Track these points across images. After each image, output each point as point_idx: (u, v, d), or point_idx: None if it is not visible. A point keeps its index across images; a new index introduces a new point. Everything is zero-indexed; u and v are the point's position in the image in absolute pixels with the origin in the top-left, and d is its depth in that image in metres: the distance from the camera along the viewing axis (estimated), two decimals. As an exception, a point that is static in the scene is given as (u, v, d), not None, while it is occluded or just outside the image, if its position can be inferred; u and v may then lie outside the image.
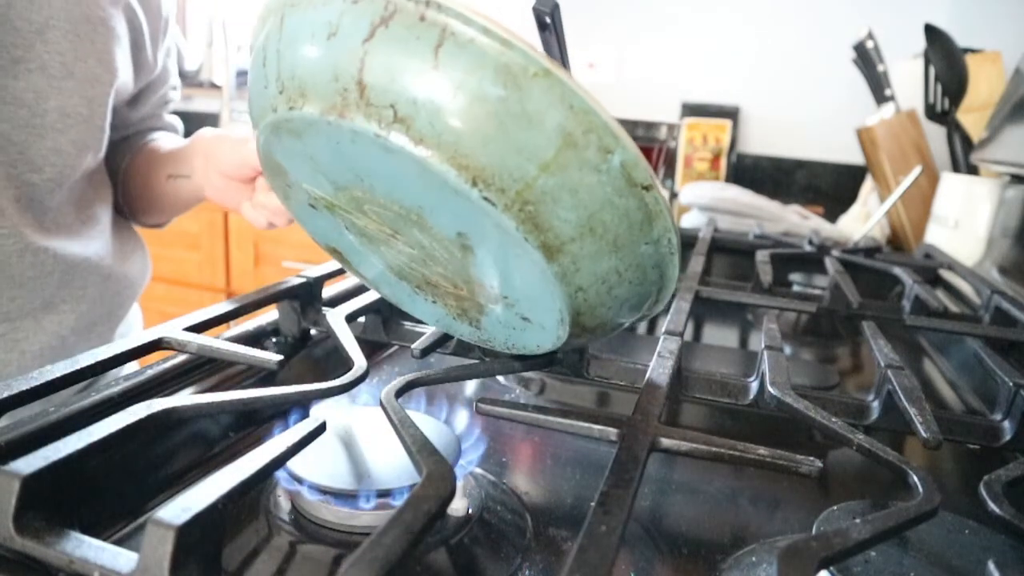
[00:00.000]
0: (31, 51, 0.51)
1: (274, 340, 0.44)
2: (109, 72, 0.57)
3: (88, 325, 0.61)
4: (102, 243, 0.62)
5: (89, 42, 0.55)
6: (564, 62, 0.71)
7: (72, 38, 0.53)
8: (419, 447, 0.25)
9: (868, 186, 1.19)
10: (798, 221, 1.00)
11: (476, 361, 0.39)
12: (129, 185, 0.71)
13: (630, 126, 0.70)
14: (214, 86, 2.06)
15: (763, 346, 0.39)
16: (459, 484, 0.26)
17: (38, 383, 0.30)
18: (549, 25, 0.68)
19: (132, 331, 0.70)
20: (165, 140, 0.73)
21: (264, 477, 0.23)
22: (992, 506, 0.25)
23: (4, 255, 0.52)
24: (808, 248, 0.75)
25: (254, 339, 0.43)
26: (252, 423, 0.38)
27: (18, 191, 0.53)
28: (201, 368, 0.38)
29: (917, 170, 0.91)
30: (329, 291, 0.49)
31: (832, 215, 1.19)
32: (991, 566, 0.25)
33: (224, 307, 0.42)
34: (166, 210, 0.73)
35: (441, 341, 0.38)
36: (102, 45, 0.56)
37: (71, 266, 0.58)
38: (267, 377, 0.39)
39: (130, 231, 0.71)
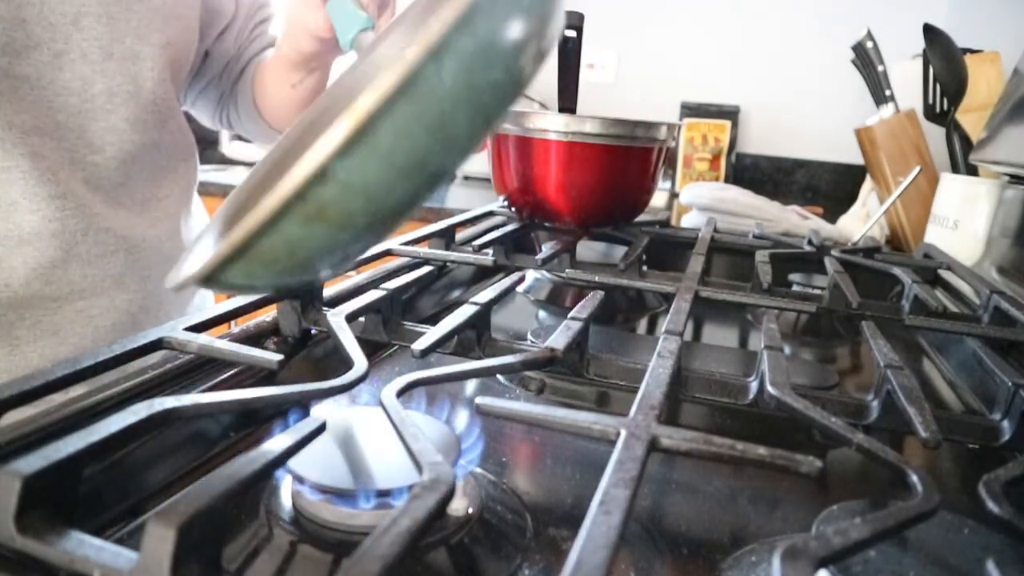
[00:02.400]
0: (69, 42, 0.54)
1: (274, 340, 0.44)
2: (149, 46, 0.60)
3: (156, 304, 0.65)
4: (166, 226, 0.66)
5: (124, 22, 0.57)
6: (578, 69, 0.72)
7: (106, 21, 0.56)
8: (419, 447, 0.25)
9: (867, 186, 1.19)
10: (798, 221, 1.00)
11: (476, 361, 0.39)
12: (264, 110, 0.77)
13: (630, 126, 0.70)
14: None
15: (763, 346, 0.39)
16: (459, 484, 0.26)
17: (38, 383, 0.30)
18: (573, 38, 0.68)
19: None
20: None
21: (264, 477, 0.23)
22: (991, 505, 0.25)
23: (70, 233, 0.56)
24: (808, 248, 0.75)
25: (254, 339, 0.43)
26: (252, 423, 0.38)
27: (85, 172, 0.57)
28: (201, 368, 0.38)
29: (916, 170, 0.91)
30: (329, 291, 0.49)
31: (832, 215, 1.19)
32: (990, 565, 0.25)
33: (224, 307, 0.41)
34: (299, 110, 0.78)
35: (441, 341, 0.38)
36: (137, 22, 0.59)
37: (134, 246, 0.61)
38: (267, 377, 0.39)
39: (199, 215, 0.75)
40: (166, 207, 0.66)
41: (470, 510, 0.28)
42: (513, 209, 0.78)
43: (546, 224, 0.76)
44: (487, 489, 0.31)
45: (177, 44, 0.63)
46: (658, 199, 1.40)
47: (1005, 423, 0.35)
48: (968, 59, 0.99)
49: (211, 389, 0.37)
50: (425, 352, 0.37)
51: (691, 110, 1.78)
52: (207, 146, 0.81)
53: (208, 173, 1.55)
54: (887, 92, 1.12)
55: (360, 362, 0.34)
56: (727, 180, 1.66)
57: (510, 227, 0.72)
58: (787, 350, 0.45)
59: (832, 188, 1.77)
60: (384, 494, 0.26)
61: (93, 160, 0.57)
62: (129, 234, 0.61)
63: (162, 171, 0.65)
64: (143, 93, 0.60)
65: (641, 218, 0.82)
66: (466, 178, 1.82)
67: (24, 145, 0.52)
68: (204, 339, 0.36)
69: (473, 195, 1.58)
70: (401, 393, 0.30)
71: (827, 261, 0.65)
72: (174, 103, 0.66)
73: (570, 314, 0.41)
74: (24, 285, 0.54)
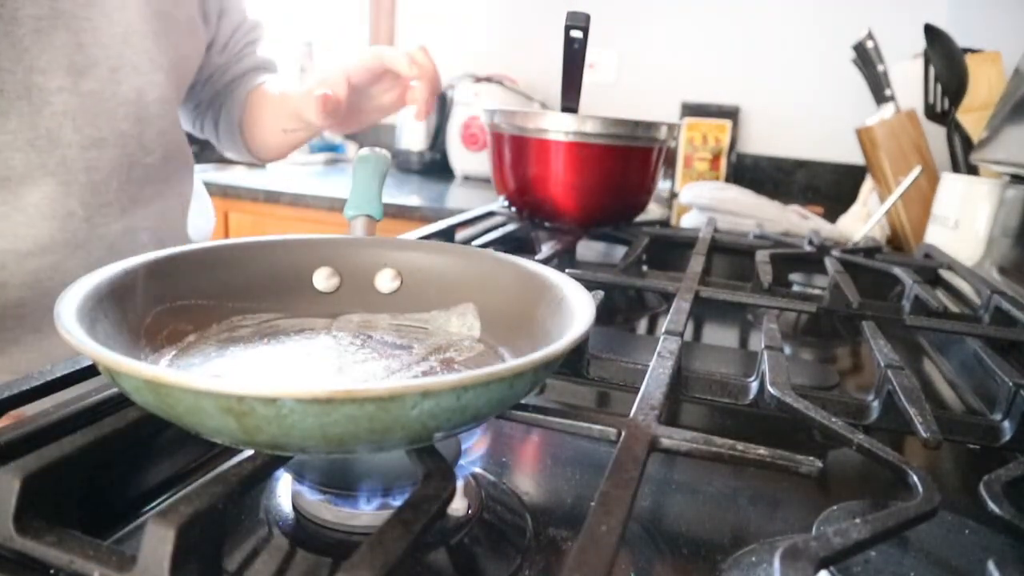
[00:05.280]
0: (122, 58, 0.60)
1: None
2: (178, 56, 0.67)
3: None
4: (171, 220, 0.72)
5: (164, 36, 0.64)
6: (582, 69, 0.71)
7: (152, 37, 0.63)
8: (419, 447, 0.25)
9: (868, 186, 1.19)
10: (798, 221, 1.00)
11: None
12: (248, 136, 0.83)
13: (630, 126, 0.70)
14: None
15: (763, 346, 0.39)
16: (459, 484, 0.26)
17: (38, 383, 0.30)
18: (579, 39, 0.68)
19: None
20: (268, 86, 0.81)
21: (264, 477, 0.23)
22: (992, 506, 0.25)
23: (113, 236, 0.61)
24: (808, 248, 0.75)
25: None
26: (252, 423, 0.37)
27: (137, 172, 0.63)
28: (201, 368, 0.38)
29: (917, 170, 0.91)
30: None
31: (832, 215, 1.19)
32: (991, 566, 0.25)
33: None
34: (285, 152, 0.85)
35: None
36: (177, 35, 0.66)
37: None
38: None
39: (181, 223, 0.78)
40: (171, 203, 0.70)
41: (470, 510, 0.28)
42: (513, 209, 0.78)
43: (546, 224, 0.76)
44: (487, 489, 0.31)
45: (191, 56, 0.70)
46: (658, 199, 1.40)
47: (1006, 423, 0.35)
48: (969, 59, 0.99)
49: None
50: (425, 352, 0.37)
51: (691, 110, 1.77)
52: (206, 145, 0.82)
53: (207, 173, 1.55)
54: (887, 92, 1.12)
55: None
56: (727, 180, 1.66)
57: (510, 227, 0.72)
58: (787, 350, 0.45)
59: (832, 188, 1.77)
60: (384, 494, 0.26)
61: (146, 162, 0.64)
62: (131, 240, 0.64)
63: (186, 167, 0.72)
64: (175, 99, 0.67)
65: (641, 218, 0.82)
66: (466, 178, 1.82)
67: (84, 159, 0.58)
68: (204, 339, 0.35)
69: (473, 195, 1.58)
70: (401, 393, 0.30)
71: (827, 261, 0.65)
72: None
73: (570, 314, 0.41)
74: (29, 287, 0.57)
